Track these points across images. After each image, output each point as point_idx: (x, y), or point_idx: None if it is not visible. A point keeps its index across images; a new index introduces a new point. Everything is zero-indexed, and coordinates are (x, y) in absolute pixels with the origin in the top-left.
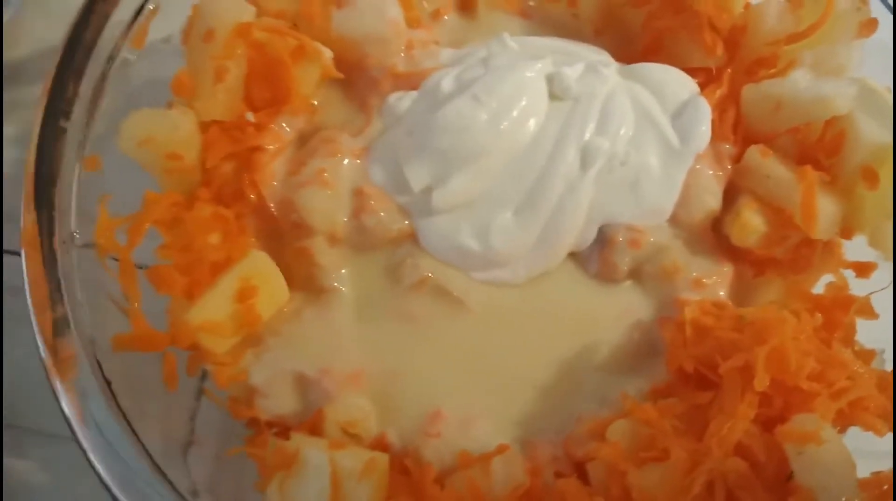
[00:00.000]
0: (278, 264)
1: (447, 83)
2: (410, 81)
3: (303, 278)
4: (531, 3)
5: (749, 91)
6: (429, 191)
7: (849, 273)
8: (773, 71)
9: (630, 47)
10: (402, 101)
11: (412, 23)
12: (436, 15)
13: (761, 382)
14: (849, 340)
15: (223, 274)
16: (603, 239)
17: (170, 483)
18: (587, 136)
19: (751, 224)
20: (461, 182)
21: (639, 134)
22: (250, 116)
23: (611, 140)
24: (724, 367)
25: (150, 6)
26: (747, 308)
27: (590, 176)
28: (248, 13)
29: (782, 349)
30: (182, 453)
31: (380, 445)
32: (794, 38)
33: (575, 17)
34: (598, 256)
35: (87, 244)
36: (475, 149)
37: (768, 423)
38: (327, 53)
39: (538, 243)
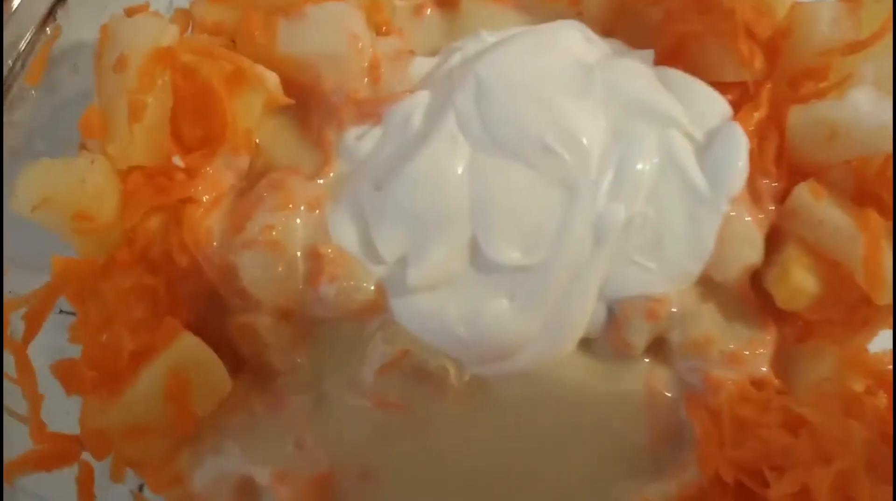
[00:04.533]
0: (221, 339)
1: (418, 117)
2: (377, 108)
3: (251, 357)
4: None
5: (797, 115)
6: (404, 262)
7: None
8: (823, 85)
9: None
10: (363, 141)
11: (382, 28)
12: (418, 11)
13: None
14: None
15: (146, 366)
16: (612, 315)
17: None
18: (601, 201)
19: (802, 287)
20: (441, 255)
21: (660, 184)
22: (177, 160)
23: (628, 202)
24: (776, 492)
25: (49, 29)
26: (797, 400)
27: (602, 256)
28: (168, 34)
29: (852, 475)
30: None
31: None
32: (852, 48)
33: (579, 14)
34: (608, 334)
35: None
36: (456, 208)
37: None
38: (271, 79)
39: (541, 336)
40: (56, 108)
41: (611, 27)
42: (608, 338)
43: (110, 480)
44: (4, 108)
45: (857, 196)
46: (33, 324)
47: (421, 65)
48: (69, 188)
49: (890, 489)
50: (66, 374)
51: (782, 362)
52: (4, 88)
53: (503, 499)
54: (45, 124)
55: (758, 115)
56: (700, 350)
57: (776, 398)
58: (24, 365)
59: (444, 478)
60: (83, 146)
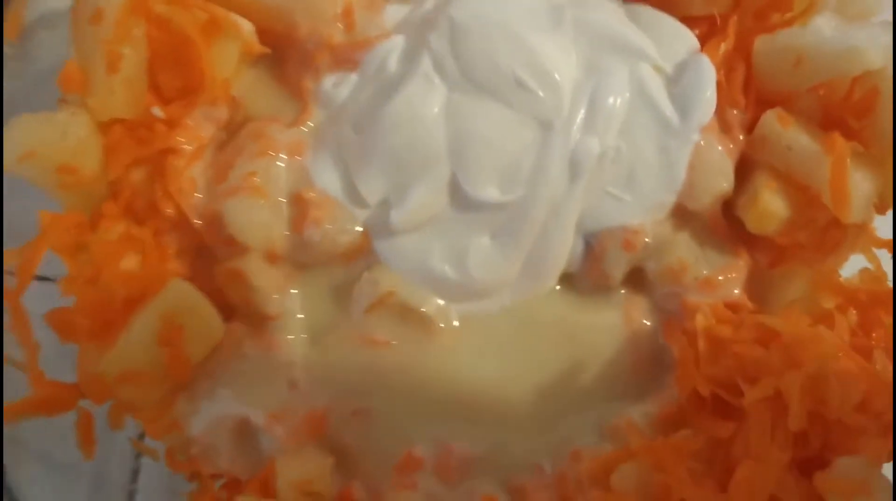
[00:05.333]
0: (211, 288)
1: (393, 60)
2: (352, 54)
3: (241, 304)
4: None
5: (763, 43)
6: (387, 204)
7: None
8: (788, 15)
9: None
10: (340, 87)
11: None
12: None
13: (797, 421)
14: (889, 346)
15: (138, 312)
16: (590, 248)
17: None
18: (575, 136)
19: (770, 209)
20: (422, 195)
21: (631, 118)
22: (157, 111)
23: (601, 135)
24: (750, 397)
25: None
26: (769, 316)
27: (578, 190)
28: None
29: (822, 376)
30: None
31: None
32: None
33: None
34: (586, 266)
35: None
36: (434, 147)
37: (805, 465)
38: (246, 26)
39: (523, 271)
40: (35, 74)
41: None
42: (587, 271)
43: (109, 428)
44: None
45: (824, 122)
46: (25, 275)
47: (395, 12)
48: (51, 142)
49: (859, 392)
50: (61, 322)
51: (756, 286)
52: None
53: (491, 426)
54: (25, 92)
55: (725, 46)
56: (675, 277)
57: (749, 317)
58: (19, 314)
59: (436, 409)
60: (63, 101)
